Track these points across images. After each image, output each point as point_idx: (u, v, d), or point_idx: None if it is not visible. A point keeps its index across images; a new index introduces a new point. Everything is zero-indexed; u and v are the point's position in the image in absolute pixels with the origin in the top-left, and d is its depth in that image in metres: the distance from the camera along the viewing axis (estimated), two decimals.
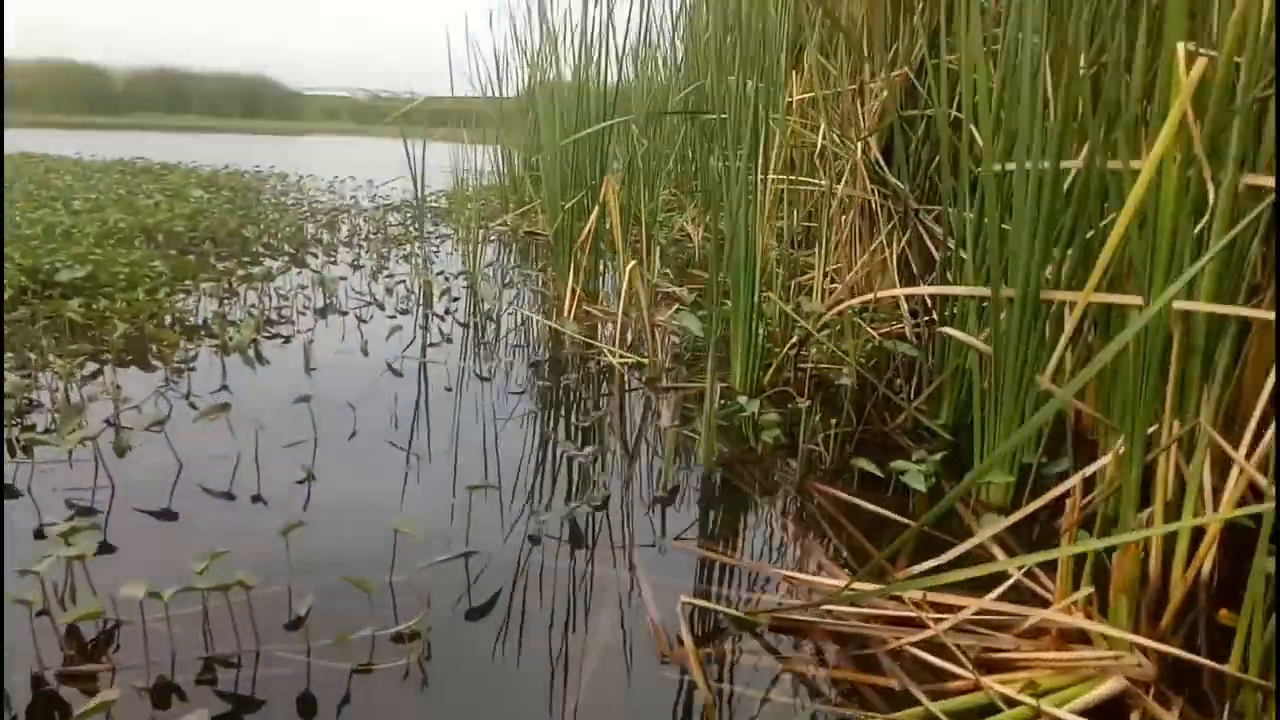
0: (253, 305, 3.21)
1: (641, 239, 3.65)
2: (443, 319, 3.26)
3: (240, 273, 3.68)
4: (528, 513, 1.63)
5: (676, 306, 3.14)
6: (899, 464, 1.73)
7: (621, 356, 2.60)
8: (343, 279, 3.58)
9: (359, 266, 4.06)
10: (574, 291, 3.15)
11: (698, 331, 2.65)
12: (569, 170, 3.63)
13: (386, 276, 3.82)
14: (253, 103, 41.16)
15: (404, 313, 3.32)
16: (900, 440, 2.09)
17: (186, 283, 3.48)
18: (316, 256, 4.46)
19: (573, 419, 2.22)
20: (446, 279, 3.78)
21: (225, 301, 3.25)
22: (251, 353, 2.65)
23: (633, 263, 2.63)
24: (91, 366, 2.43)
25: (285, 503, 1.66)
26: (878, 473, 1.76)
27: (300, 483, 1.74)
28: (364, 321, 3.15)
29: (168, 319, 2.89)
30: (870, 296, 2.26)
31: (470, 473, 1.81)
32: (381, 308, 3.38)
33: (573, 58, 3.69)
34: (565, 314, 3.04)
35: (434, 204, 7.00)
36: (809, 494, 1.76)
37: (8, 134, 18.75)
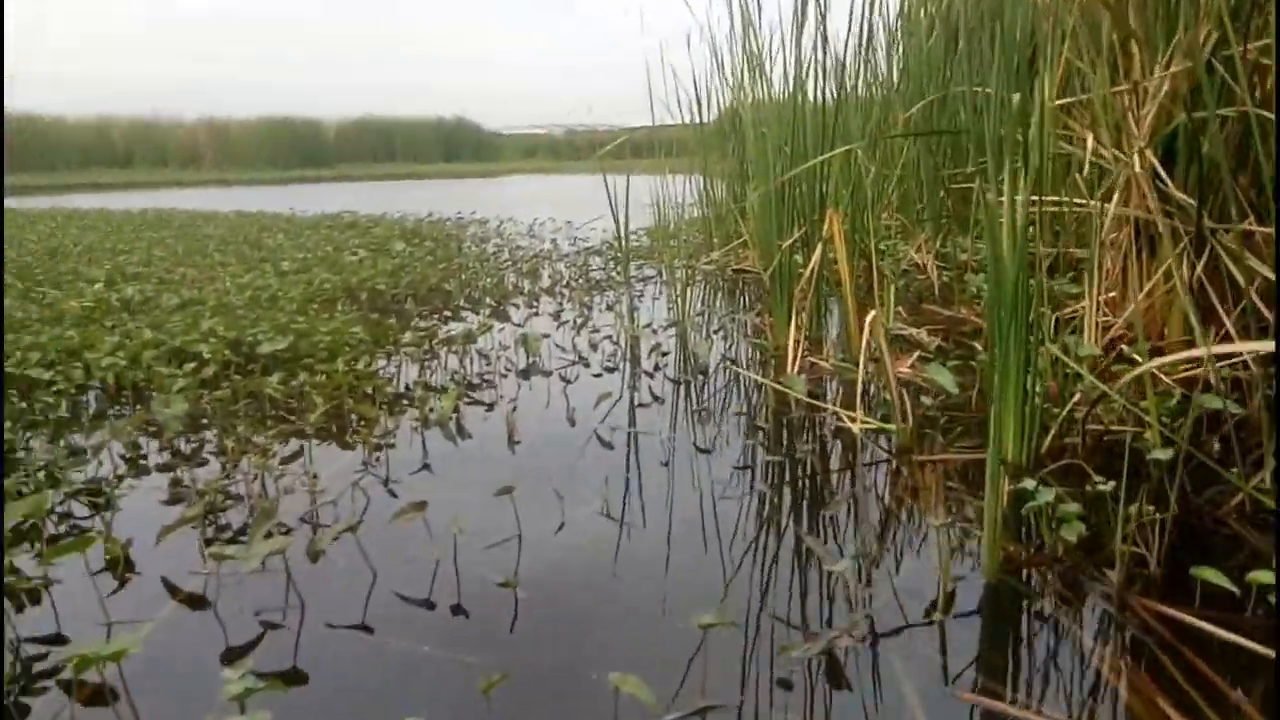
0: (455, 371, 3.09)
1: (870, 276, 3.34)
2: (652, 375, 3.04)
3: (442, 332, 3.59)
4: (771, 639, 1.37)
5: (917, 353, 2.81)
6: (1259, 575, 1.35)
7: (862, 422, 2.30)
8: (546, 336, 3.43)
9: (562, 321, 3.91)
10: (797, 342, 2.87)
11: (951, 388, 2.32)
12: (784, 205, 3.36)
13: (591, 331, 3.64)
14: (454, 146, 42.95)
15: (611, 370, 3.13)
16: (1238, 529, 1.70)
17: (387, 346, 3.40)
18: (519, 308, 4.37)
19: (811, 503, 1.94)
20: (654, 331, 3.57)
21: (426, 365, 3.15)
22: (453, 426, 2.51)
23: (872, 313, 2.33)
24: (292, 445, 2.34)
25: (489, 616, 1.47)
26: (1230, 586, 1.38)
27: (502, 586, 1.55)
28: (569, 381, 2.98)
29: (369, 388, 2.79)
30: (1195, 354, 1.86)
31: (695, 581, 1.57)
32: (586, 364, 3.21)
33: (781, 77, 3.44)
34: (789, 369, 2.76)
35: (635, 242, 6.88)
36: (1134, 615, 1.41)
37: (226, 192, 20.23)
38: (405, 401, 2.74)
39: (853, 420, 2.31)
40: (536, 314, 4.22)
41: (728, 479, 2.07)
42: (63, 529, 1.88)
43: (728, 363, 3.21)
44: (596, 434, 2.41)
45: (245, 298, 4.07)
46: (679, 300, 3.75)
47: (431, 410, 2.56)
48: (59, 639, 1.44)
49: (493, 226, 8.89)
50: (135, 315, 3.89)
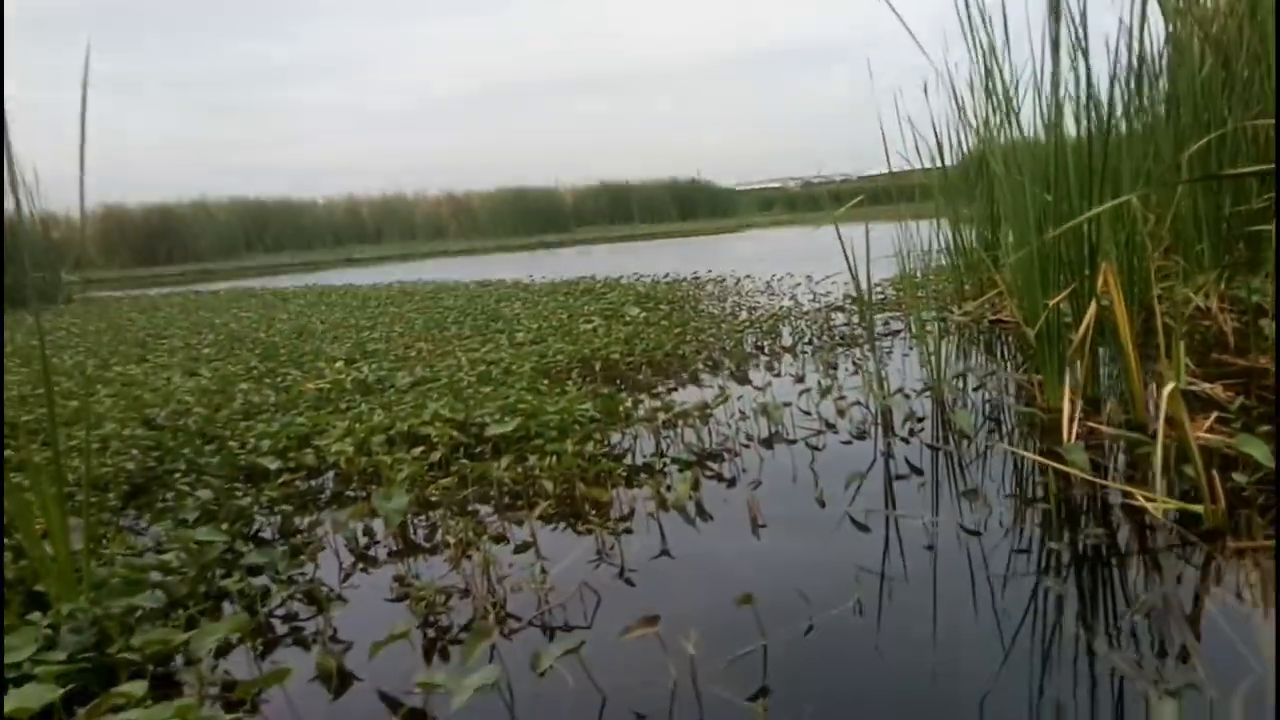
0: (691, 444, 2.98)
1: (1149, 324, 3.01)
2: (907, 442, 2.84)
3: (677, 401, 3.49)
4: None
5: (1215, 414, 2.47)
6: None
7: (1162, 502, 2.01)
8: (787, 404, 3.26)
9: (805, 388, 3.72)
10: (1072, 403, 2.59)
11: (1265, 460, 2.01)
12: (1047, 256, 3.07)
13: (838, 398, 3.44)
14: (689, 204, 43.39)
15: (860, 437, 2.94)
16: None
17: (619, 423, 3.32)
18: (759, 369, 4.24)
19: (1106, 602, 1.69)
20: (907, 395, 3.35)
21: (661, 438, 3.06)
22: (691, 507, 2.39)
23: (1170, 385, 2.04)
24: (522, 533, 2.29)
25: None
26: None
27: (751, 700, 1.42)
28: (816, 450, 2.82)
29: (600, 469, 2.71)
30: None
31: (967, 705, 1.36)
32: (834, 430, 3.03)
33: (1032, 117, 3.18)
34: (1065, 437, 2.49)
35: (880, 294, 6.62)
36: None
37: (471, 261, 21.12)
38: (641, 479, 2.65)
39: (1149, 500, 2.03)
40: (778, 375, 4.08)
41: (1002, 568, 1.84)
42: (284, 630, 1.88)
43: (992, 425, 2.96)
44: (849, 515, 2.23)
45: (475, 374, 4.12)
46: (932, 358, 3.51)
47: (669, 489, 2.46)
48: None
49: (730, 284, 8.82)
50: (369, 396, 4.02)
